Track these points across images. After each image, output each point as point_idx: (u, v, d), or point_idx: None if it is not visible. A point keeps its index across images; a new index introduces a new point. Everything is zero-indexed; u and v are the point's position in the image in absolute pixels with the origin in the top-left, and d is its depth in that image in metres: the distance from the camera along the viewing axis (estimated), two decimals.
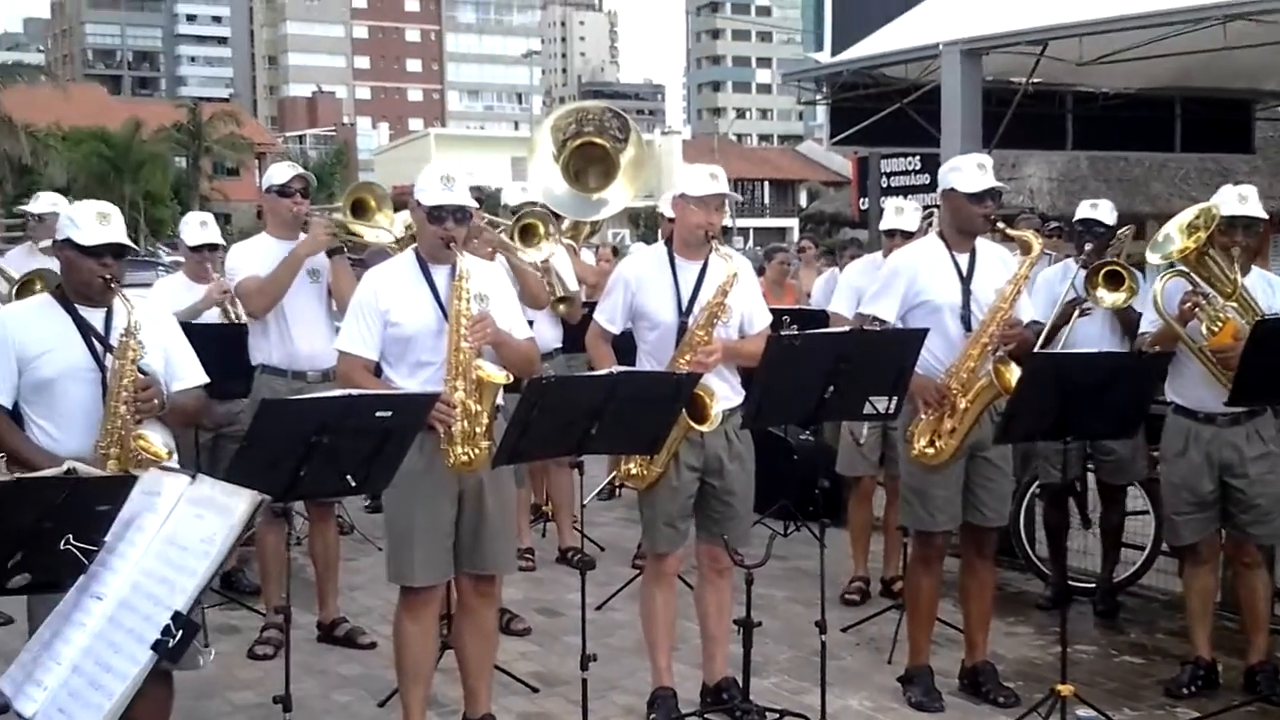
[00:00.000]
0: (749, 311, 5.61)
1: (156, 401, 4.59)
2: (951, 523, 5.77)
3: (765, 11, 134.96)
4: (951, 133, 9.26)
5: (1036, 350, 6.02)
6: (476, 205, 5.42)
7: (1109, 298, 6.80)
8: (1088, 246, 7.04)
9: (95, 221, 4.61)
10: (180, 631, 2.47)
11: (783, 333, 5.84)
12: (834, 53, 12.49)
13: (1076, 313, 6.92)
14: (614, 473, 9.81)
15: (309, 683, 6.09)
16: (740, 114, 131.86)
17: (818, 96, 12.16)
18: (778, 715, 5.60)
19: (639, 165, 7.13)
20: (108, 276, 4.61)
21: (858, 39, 11.62)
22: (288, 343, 6.66)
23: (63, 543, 2.79)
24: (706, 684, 5.78)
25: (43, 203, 8.46)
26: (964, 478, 5.73)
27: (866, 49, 10.93)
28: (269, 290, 6.56)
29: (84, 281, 4.64)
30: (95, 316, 4.68)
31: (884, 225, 7.96)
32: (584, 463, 5.10)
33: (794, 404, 5.30)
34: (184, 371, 4.84)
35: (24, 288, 6.08)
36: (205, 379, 4.93)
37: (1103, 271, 6.86)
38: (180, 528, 2.66)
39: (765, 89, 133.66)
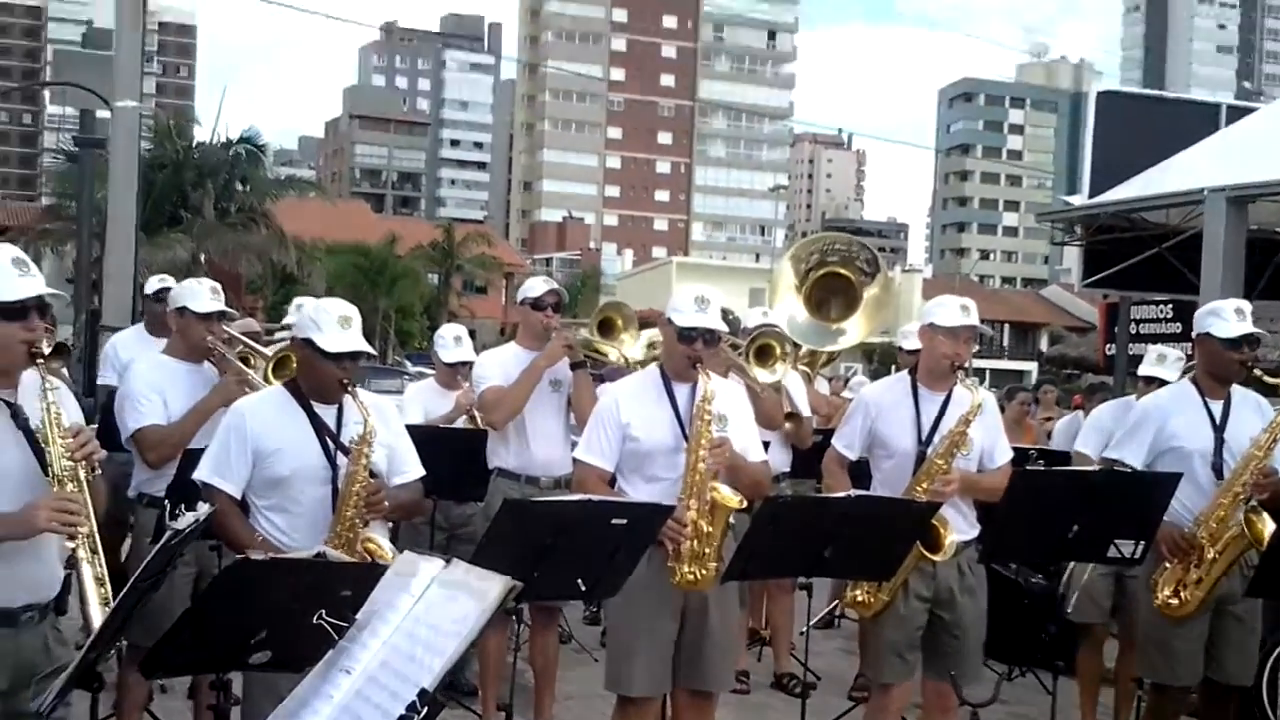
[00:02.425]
0: (990, 445, 5.53)
1: (385, 504, 4.64)
2: (1192, 678, 5.52)
3: (1016, 155, 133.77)
4: (1212, 280, 9.03)
5: None
6: (727, 329, 5.48)
7: None
8: None
9: (338, 327, 4.61)
10: (425, 709, 2.53)
11: (1028, 467, 5.73)
12: (1091, 195, 12.33)
13: None
14: (835, 601, 9.71)
15: None
16: (984, 255, 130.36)
17: (1071, 238, 11.98)
18: None
19: (881, 304, 7.15)
20: (345, 381, 4.61)
21: (1116, 183, 11.46)
22: (525, 449, 6.80)
23: (315, 617, 2.89)
24: None
25: (151, 283, 8.58)
26: (1208, 632, 5.48)
27: (1126, 192, 10.76)
28: (508, 402, 6.72)
29: (321, 383, 4.68)
30: (328, 413, 4.72)
31: (1143, 371, 7.70)
32: (813, 585, 5.04)
33: (1034, 541, 5.19)
34: (405, 466, 4.89)
35: (280, 365, 6.32)
36: (422, 472, 4.94)
37: None
38: (433, 608, 2.73)
39: (1011, 232, 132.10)
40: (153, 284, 8.20)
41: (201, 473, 4.72)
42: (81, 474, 3.68)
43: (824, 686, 8.17)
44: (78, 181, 17.35)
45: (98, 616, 3.57)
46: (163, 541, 3.04)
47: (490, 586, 2.69)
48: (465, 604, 2.68)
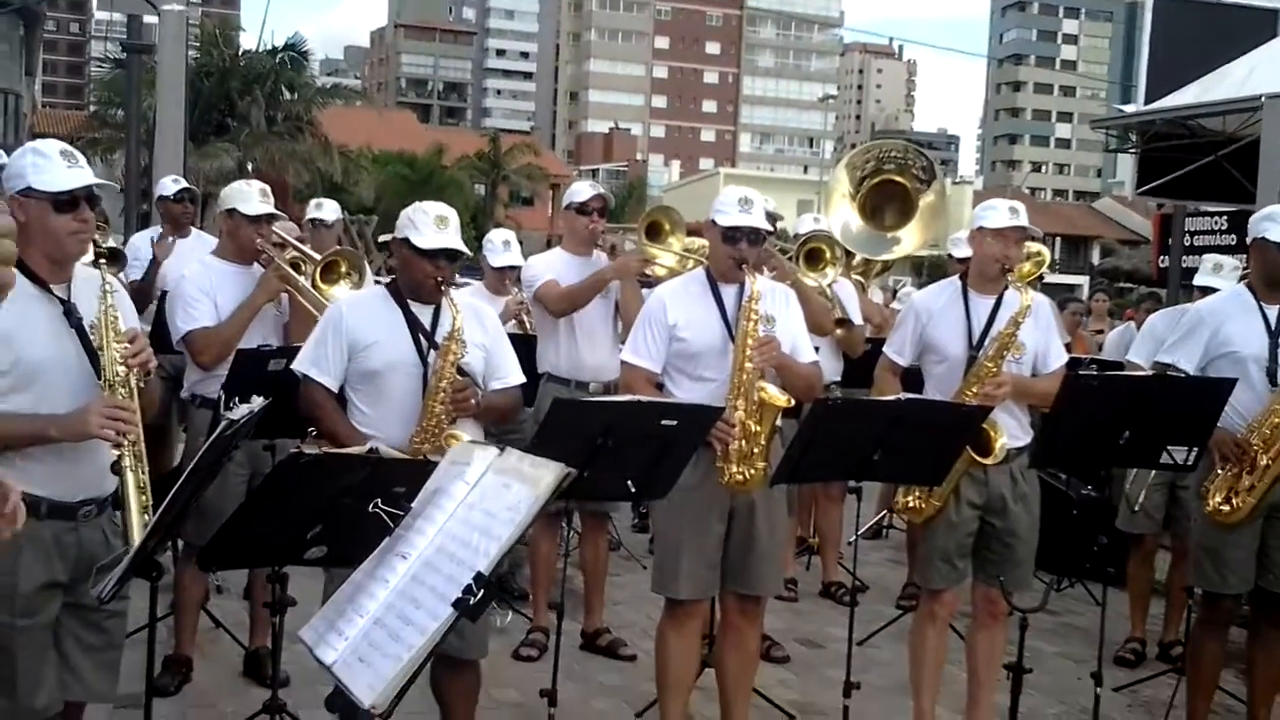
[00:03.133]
0: (1043, 349, 5.48)
1: (472, 402, 4.74)
2: (1243, 585, 5.49)
3: (1070, 66, 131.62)
4: (1269, 187, 8.89)
5: None
6: (771, 230, 5.45)
7: None
8: None
9: (434, 226, 4.75)
10: (481, 591, 2.56)
11: (1081, 372, 5.68)
12: (1147, 102, 12.12)
13: None
14: (884, 511, 9.73)
15: (570, 687, 6.17)
16: (1036, 168, 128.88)
17: (1126, 145, 11.80)
18: None
19: (937, 212, 7.07)
20: (440, 279, 4.76)
21: (1172, 89, 11.27)
22: (574, 354, 6.84)
23: (370, 506, 2.92)
24: None
25: (166, 184, 8.59)
26: (1260, 540, 5.45)
27: (1182, 98, 10.58)
28: (573, 297, 6.75)
29: (417, 281, 4.81)
30: (424, 314, 4.85)
31: (1199, 280, 7.58)
32: (862, 489, 5.02)
33: (1086, 446, 5.14)
34: (502, 371, 5.00)
35: (328, 269, 6.35)
36: (522, 379, 5.06)
37: None
38: (488, 495, 2.76)
39: (1064, 144, 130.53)
40: (167, 185, 8.28)
41: (300, 364, 4.85)
42: (133, 381, 3.72)
43: (872, 595, 8.21)
44: (125, 88, 17.31)
45: (137, 524, 3.63)
46: (218, 432, 3.07)
47: (544, 474, 2.71)
48: (519, 490, 2.70)
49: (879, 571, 9.01)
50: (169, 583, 6.89)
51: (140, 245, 8.35)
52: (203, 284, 5.88)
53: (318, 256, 6.41)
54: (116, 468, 3.67)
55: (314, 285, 6.12)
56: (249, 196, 5.99)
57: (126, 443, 3.64)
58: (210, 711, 5.70)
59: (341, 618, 2.77)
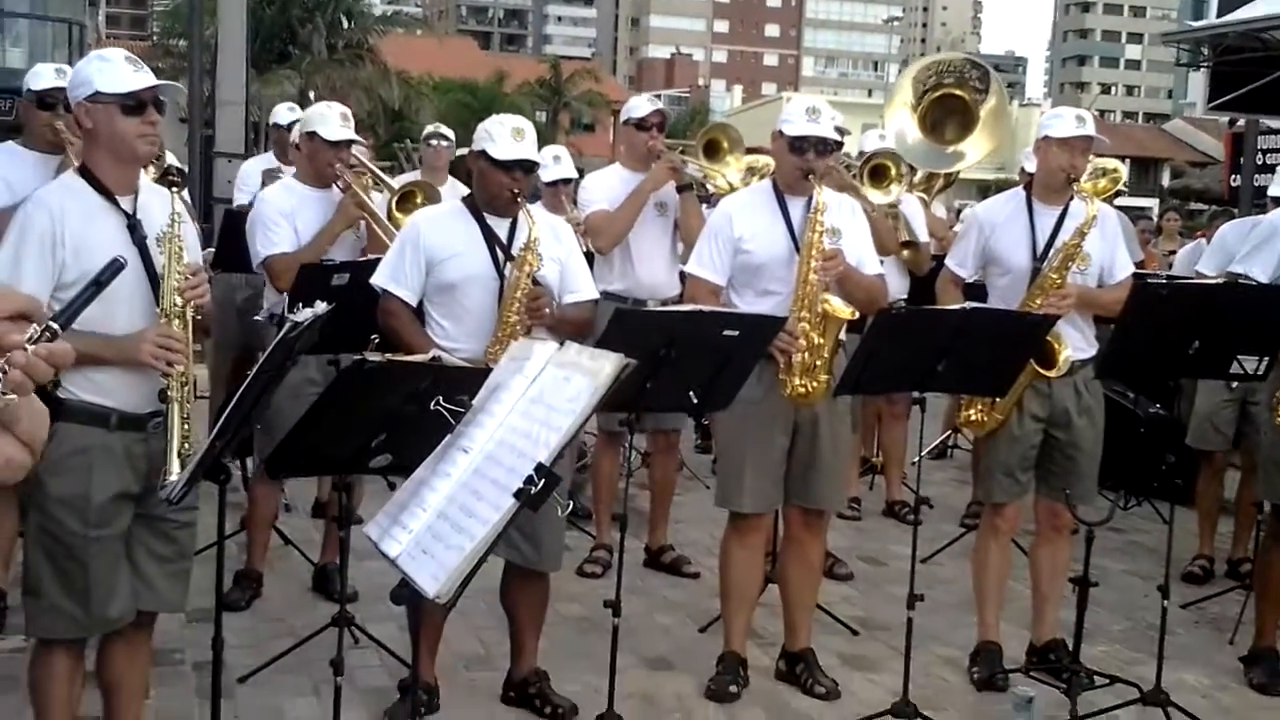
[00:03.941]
0: (1109, 261, 5.39)
1: (546, 311, 4.77)
2: None
3: None
4: None
5: None
6: (840, 141, 5.39)
7: None
8: None
9: (510, 137, 4.77)
10: (542, 481, 2.57)
11: (1148, 280, 5.59)
12: (1219, 16, 11.83)
13: None
14: (948, 431, 9.68)
15: (634, 602, 6.20)
16: (1105, 89, 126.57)
17: (1199, 59, 11.55)
18: (1108, 681, 5.38)
19: (999, 116, 6.98)
20: (515, 190, 4.77)
21: (1244, 3, 11.00)
22: (630, 271, 6.81)
23: (432, 403, 2.94)
24: (1034, 644, 5.63)
25: (281, 111, 8.68)
26: None
27: (1255, 10, 10.32)
28: (615, 226, 6.71)
29: (493, 193, 4.82)
30: (501, 227, 4.86)
31: (1273, 191, 7.37)
32: (926, 405, 4.98)
33: (1154, 357, 5.07)
34: (577, 285, 5.03)
35: (404, 199, 6.38)
36: (596, 294, 5.09)
37: None
38: (547, 388, 2.78)
39: (1134, 65, 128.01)
40: (282, 113, 8.30)
41: (378, 279, 4.89)
42: (189, 313, 3.75)
43: (936, 514, 8.22)
44: (188, 15, 17.35)
45: (176, 458, 3.68)
46: (281, 334, 3.09)
47: (603, 364, 2.72)
48: (579, 382, 2.71)
49: (943, 490, 8.99)
50: (236, 501, 7.04)
51: (250, 172, 8.39)
52: (282, 207, 5.90)
53: (395, 184, 6.44)
54: (163, 396, 3.72)
55: (389, 215, 6.14)
56: (329, 120, 5.97)
57: (174, 373, 3.69)
58: (280, 625, 5.79)
59: (405, 512, 2.80)
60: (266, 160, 8.35)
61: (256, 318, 6.17)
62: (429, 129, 8.99)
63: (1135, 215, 12.45)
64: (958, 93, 6.95)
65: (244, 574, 6.19)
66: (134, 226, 3.75)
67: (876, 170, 7.08)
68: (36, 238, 3.62)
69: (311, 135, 5.98)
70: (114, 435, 3.72)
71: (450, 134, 9.01)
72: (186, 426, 3.73)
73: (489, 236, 4.84)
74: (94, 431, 3.70)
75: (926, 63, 7.25)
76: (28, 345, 1.86)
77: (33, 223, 3.65)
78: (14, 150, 5.48)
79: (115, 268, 2.12)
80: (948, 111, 7.00)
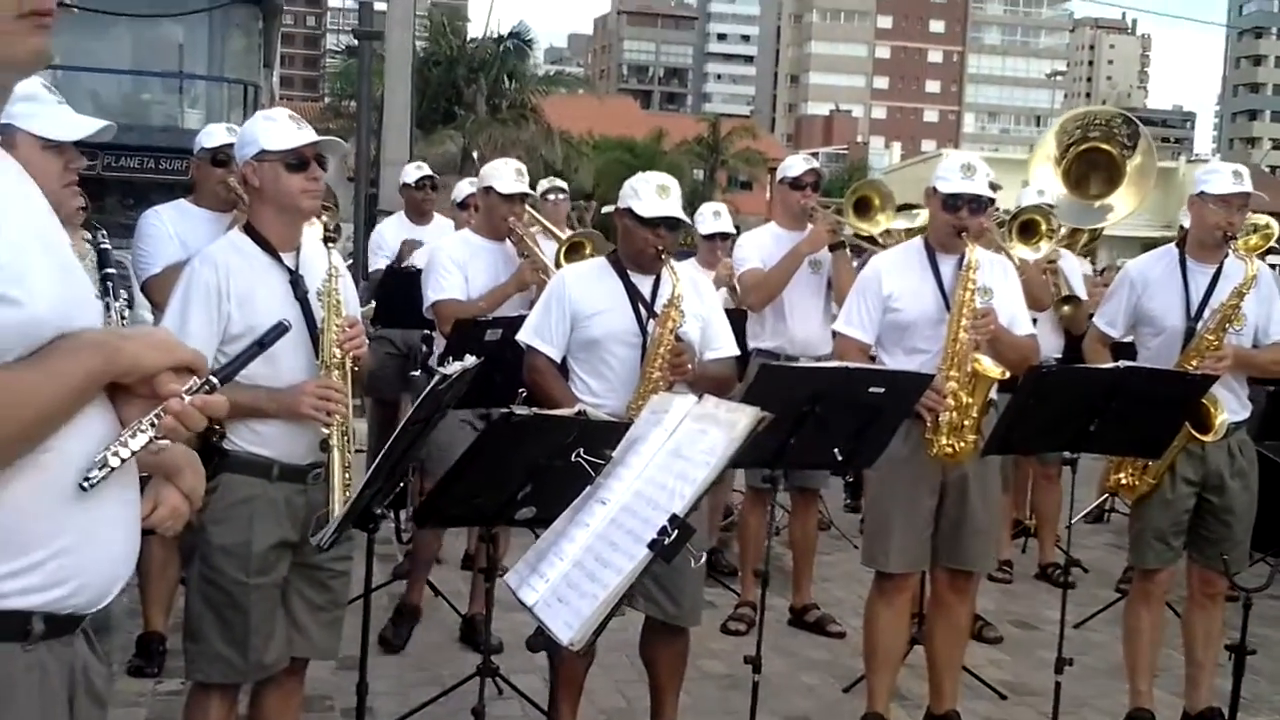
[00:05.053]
0: (1264, 320, 5.27)
1: (690, 367, 4.79)
2: None
3: None
4: None
5: None
6: (992, 199, 5.37)
7: None
8: None
9: (655, 195, 4.81)
10: (676, 532, 2.62)
11: None
12: None
13: None
14: (1105, 495, 9.46)
15: (777, 661, 6.20)
16: (1276, 145, 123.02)
17: None
18: None
19: (1145, 174, 6.86)
20: (660, 247, 4.80)
21: None
22: (783, 329, 6.84)
23: (574, 455, 3.01)
24: (1188, 712, 5.48)
25: (409, 171, 8.84)
26: None
27: None
28: (769, 285, 6.76)
29: (638, 250, 4.86)
30: (644, 283, 4.90)
31: None
32: (1077, 460, 4.89)
33: None
34: (719, 341, 5.04)
35: (572, 249, 6.54)
36: (736, 351, 5.11)
37: None
38: (684, 441, 2.83)
39: None
40: (410, 172, 8.54)
41: (524, 335, 4.97)
42: (348, 364, 3.89)
43: (1090, 578, 8.05)
44: (357, 74, 17.93)
45: (339, 499, 3.79)
46: (430, 385, 3.18)
47: (739, 417, 2.75)
48: (715, 435, 2.75)
49: (1098, 555, 8.80)
50: (388, 553, 7.21)
51: (384, 234, 8.64)
52: (457, 256, 6.13)
53: (564, 235, 6.58)
54: (325, 445, 3.85)
55: (557, 264, 6.29)
56: (504, 174, 6.22)
57: (335, 422, 3.82)
58: (426, 674, 5.89)
59: (543, 561, 2.87)
60: (399, 220, 8.58)
61: (413, 373, 6.35)
62: (544, 184, 9.00)
63: None
64: (1104, 147, 6.87)
65: (404, 606, 6.35)
66: (296, 282, 3.90)
67: (1026, 226, 7.00)
68: (203, 293, 3.79)
69: (488, 190, 6.21)
70: (275, 486, 3.86)
71: (565, 185, 9.10)
72: (348, 475, 3.85)
73: (632, 293, 4.87)
74: (256, 482, 3.84)
75: (1073, 114, 7.18)
76: (185, 395, 1.97)
77: (199, 278, 3.83)
78: (186, 208, 5.71)
79: (280, 330, 2.24)
80: (1092, 166, 6.92)
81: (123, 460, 1.94)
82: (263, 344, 2.21)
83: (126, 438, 1.96)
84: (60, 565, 1.97)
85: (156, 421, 1.97)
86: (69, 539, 1.97)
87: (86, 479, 1.93)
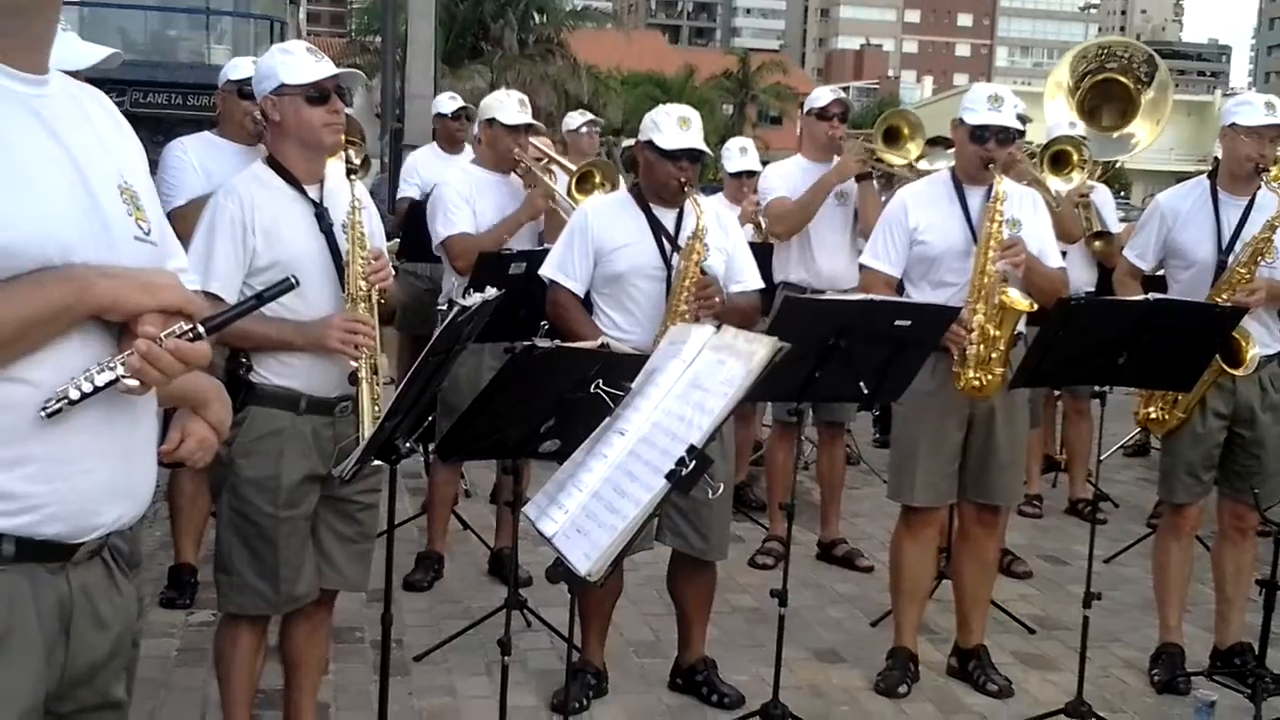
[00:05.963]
0: None
1: (716, 300, 4.75)
2: None
3: None
4: None
5: None
6: (1020, 130, 5.30)
7: None
8: None
9: (677, 127, 4.78)
10: (694, 463, 2.60)
11: None
12: None
13: None
14: (1141, 428, 9.40)
15: (805, 594, 6.20)
16: None
17: None
18: None
19: (1158, 108, 6.78)
20: (683, 180, 4.77)
21: None
22: (810, 262, 6.79)
23: (592, 386, 2.99)
24: (1218, 647, 5.45)
25: (443, 101, 8.73)
26: None
27: None
28: (796, 215, 6.70)
29: (660, 183, 4.82)
30: (667, 217, 4.88)
31: None
32: (1107, 394, 4.84)
33: None
34: (743, 275, 5.00)
35: (582, 179, 6.46)
36: (761, 284, 5.07)
37: None
38: (702, 371, 2.81)
39: None
40: (445, 102, 8.44)
41: (547, 269, 4.94)
42: (374, 296, 3.87)
43: (1122, 513, 8.02)
44: (382, 10, 17.82)
45: (369, 431, 3.75)
46: (450, 316, 3.16)
47: (757, 348, 2.73)
48: (733, 366, 2.73)
49: (1130, 490, 8.75)
50: (419, 486, 7.22)
51: (416, 164, 8.57)
52: (463, 190, 6.06)
53: (573, 167, 6.52)
54: (354, 378, 3.84)
55: (568, 195, 6.24)
56: (507, 106, 6.13)
57: (363, 355, 3.81)
58: (456, 607, 5.92)
59: (561, 492, 2.87)
60: (431, 150, 8.52)
61: (439, 307, 6.31)
62: (579, 117, 8.96)
63: None
64: (1120, 79, 6.78)
65: (425, 555, 6.34)
66: (321, 215, 3.88)
67: (1058, 156, 6.91)
68: (227, 225, 3.78)
69: (490, 121, 6.14)
70: (303, 418, 3.86)
71: (599, 119, 9.10)
72: (377, 408, 3.84)
73: (656, 227, 4.84)
74: (284, 415, 3.85)
75: (1095, 42, 7.10)
76: (162, 339, 1.96)
77: (224, 211, 3.81)
78: (211, 140, 5.66)
79: (284, 286, 2.22)
80: (1106, 97, 6.84)
81: (83, 394, 1.95)
82: (261, 298, 2.20)
83: (94, 373, 1.97)
84: (27, 492, 1.98)
85: (125, 360, 1.97)
86: (34, 467, 1.98)
87: (43, 408, 1.94)
